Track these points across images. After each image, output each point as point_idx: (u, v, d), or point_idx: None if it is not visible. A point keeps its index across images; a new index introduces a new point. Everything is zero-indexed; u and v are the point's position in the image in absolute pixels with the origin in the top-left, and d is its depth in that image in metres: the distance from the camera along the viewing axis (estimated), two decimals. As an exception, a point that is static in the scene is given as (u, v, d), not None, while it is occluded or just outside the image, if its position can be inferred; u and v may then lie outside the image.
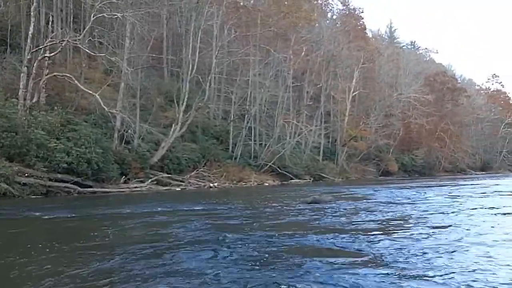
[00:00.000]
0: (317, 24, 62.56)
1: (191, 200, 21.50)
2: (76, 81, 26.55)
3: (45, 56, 26.36)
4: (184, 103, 35.38)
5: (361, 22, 73.15)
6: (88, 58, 36.05)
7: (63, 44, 26.52)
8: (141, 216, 14.01)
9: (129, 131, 29.34)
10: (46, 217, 13.75)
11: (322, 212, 14.58)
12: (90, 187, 26.10)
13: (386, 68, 73.64)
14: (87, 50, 27.93)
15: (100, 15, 27.49)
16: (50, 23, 30.99)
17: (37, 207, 16.53)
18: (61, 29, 32.90)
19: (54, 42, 26.36)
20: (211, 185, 34.61)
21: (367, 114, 65.74)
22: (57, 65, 32.83)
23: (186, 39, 38.99)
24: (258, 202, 19.52)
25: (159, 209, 16.41)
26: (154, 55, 36.73)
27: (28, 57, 25.58)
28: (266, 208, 16.43)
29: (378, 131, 64.44)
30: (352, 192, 25.69)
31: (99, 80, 33.47)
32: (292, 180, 44.64)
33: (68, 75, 27.14)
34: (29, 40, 26.01)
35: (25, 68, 25.38)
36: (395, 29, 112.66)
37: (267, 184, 40.27)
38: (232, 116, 43.30)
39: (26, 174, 22.01)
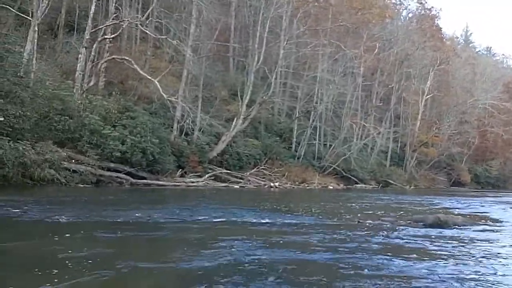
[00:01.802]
0: (388, 22, 59.17)
1: (249, 203, 17.94)
2: (135, 65, 25.00)
3: (105, 38, 24.95)
4: (248, 96, 33.39)
5: (437, 23, 69.28)
6: (154, 47, 35.00)
7: (124, 26, 25.03)
8: (177, 228, 10.34)
9: (188, 121, 27.47)
10: (52, 219, 10.24)
11: (479, 252, 8.86)
12: (144, 178, 24.46)
13: (462, 72, 68.95)
14: (147, 31, 26.49)
15: (164, -5, 25.87)
16: (112, 6, 29.51)
17: (65, 200, 14.43)
18: (128, 13, 31.54)
19: (114, 22, 24.89)
20: (272, 184, 32.39)
21: (439, 119, 61.66)
22: (122, 52, 31.69)
23: (254, 30, 37.05)
24: (338, 214, 14.85)
25: (207, 214, 12.80)
26: (219, 43, 34.83)
27: (87, 37, 24.15)
28: (358, 230, 11.04)
29: (451, 139, 60.17)
30: (449, 206, 21.00)
31: (163, 69, 32.03)
32: (357, 185, 41.99)
33: (127, 58, 25.71)
34: (89, 20, 24.68)
35: (83, 49, 24.02)
36: (471, 33, 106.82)
37: (331, 187, 37.70)
38: (297, 113, 40.94)
39: (74, 161, 20.49)
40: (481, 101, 67.43)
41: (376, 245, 9.12)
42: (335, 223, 12.68)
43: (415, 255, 8.23)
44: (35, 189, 17.84)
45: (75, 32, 31.12)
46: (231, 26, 40.87)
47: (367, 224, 12.50)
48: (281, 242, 8.95)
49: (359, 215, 14.79)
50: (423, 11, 67.40)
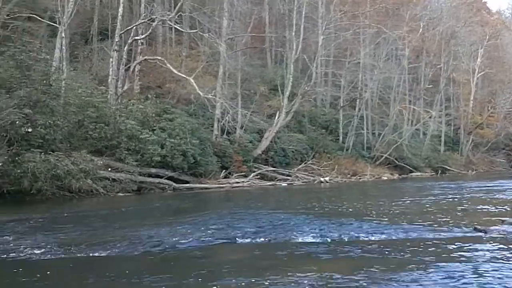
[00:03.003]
0: (431, 0, 56.28)
1: (300, 205, 15.59)
2: (168, 65, 23.78)
3: (135, 39, 23.85)
4: (289, 89, 31.69)
5: (481, -3, 65.99)
6: (189, 48, 34.11)
7: (154, 24, 23.84)
8: (184, 259, 7.50)
9: (228, 119, 26.10)
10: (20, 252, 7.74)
11: None
12: (187, 182, 23.26)
13: (513, 46, 65.11)
14: (178, 27, 25.15)
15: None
16: (142, 6, 28.54)
17: (87, 215, 12.85)
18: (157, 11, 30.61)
19: (144, 21, 23.76)
20: (322, 180, 30.65)
21: (493, 98, 58.22)
22: (157, 55, 30.76)
23: (290, 19, 35.37)
24: (429, 215, 10.81)
25: (244, 228, 9.55)
26: (254, 34, 33.30)
27: (117, 39, 23.12)
28: (502, 251, 7.17)
29: (508, 117, 56.58)
30: None
31: (200, 69, 30.99)
32: (412, 173, 39.75)
33: (159, 58, 24.53)
34: (118, 22, 23.66)
35: (114, 52, 22.95)
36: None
37: (385, 178, 35.57)
38: (341, 103, 38.91)
39: (110, 169, 19.42)
40: (537, 75, 63.42)
41: None
42: (444, 236, 8.31)
43: None
44: (73, 201, 16.89)
45: (109, 38, 30.46)
46: (266, 17, 39.36)
47: (496, 233, 8.30)
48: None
49: (459, 214, 10.45)
50: (466, -15, 64.29)
